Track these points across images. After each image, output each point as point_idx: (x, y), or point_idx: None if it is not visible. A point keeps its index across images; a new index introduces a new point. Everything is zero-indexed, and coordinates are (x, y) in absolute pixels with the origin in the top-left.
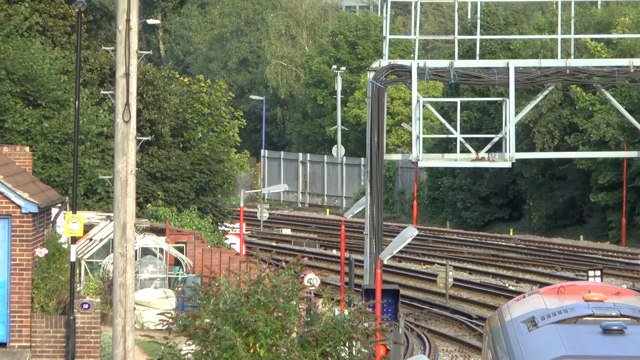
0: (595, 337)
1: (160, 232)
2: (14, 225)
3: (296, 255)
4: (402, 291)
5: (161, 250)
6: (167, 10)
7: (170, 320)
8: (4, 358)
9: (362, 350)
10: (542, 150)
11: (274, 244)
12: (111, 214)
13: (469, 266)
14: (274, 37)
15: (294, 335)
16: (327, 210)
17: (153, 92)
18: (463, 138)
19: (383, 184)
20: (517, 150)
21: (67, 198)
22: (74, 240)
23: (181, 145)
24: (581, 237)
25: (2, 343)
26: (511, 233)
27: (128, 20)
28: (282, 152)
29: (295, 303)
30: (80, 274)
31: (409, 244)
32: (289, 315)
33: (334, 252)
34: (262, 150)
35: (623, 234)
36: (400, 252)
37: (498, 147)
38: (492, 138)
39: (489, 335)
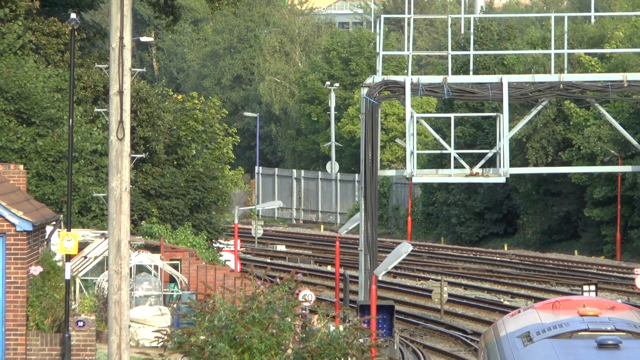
0: (590, 352)
1: (154, 249)
2: (8, 244)
3: (291, 272)
4: (397, 307)
5: (156, 267)
6: (160, 28)
7: (166, 338)
8: None
9: None
10: (536, 165)
11: (268, 260)
12: (106, 232)
13: (464, 281)
14: (268, 54)
15: (289, 351)
16: (322, 226)
17: (147, 109)
18: (457, 153)
19: (377, 199)
20: (511, 166)
21: (62, 216)
22: (69, 258)
23: (175, 162)
24: (576, 252)
25: None
26: (506, 248)
27: (121, 38)
28: (276, 169)
29: (290, 319)
30: (75, 291)
31: (403, 259)
32: (284, 331)
33: (329, 268)
34: (256, 167)
35: (618, 248)
36: (395, 267)
37: (492, 163)
38: (486, 153)
39: (484, 351)
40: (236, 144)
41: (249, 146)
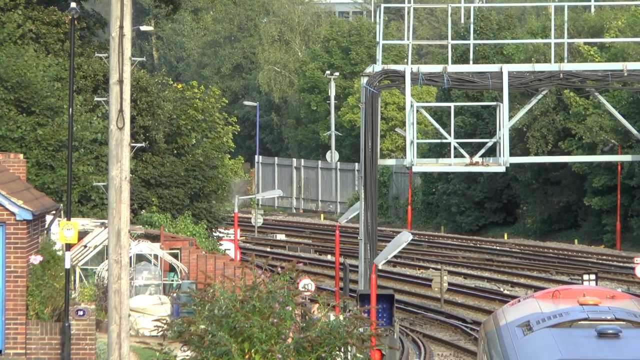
0: (590, 341)
1: (154, 238)
2: (8, 233)
3: (291, 261)
4: (397, 296)
5: (156, 256)
6: (160, 17)
7: (165, 327)
8: None
9: (358, 355)
10: (536, 155)
11: (268, 249)
12: (105, 221)
13: (464, 271)
14: (267, 43)
15: (289, 341)
16: (322, 215)
17: (147, 98)
18: (457, 143)
19: (377, 189)
20: (511, 155)
21: (62, 205)
22: (69, 247)
23: (175, 151)
24: (576, 241)
25: None
26: (505, 237)
27: (121, 27)
28: (276, 158)
29: (290, 309)
30: (75, 280)
31: (403, 248)
32: (285, 320)
33: (329, 257)
34: (256, 156)
35: (617, 237)
36: (395, 257)
37: (492, 152)
38: (486, 143)
39: (484, 340)
40: (236, 133)
41: (249, 135)
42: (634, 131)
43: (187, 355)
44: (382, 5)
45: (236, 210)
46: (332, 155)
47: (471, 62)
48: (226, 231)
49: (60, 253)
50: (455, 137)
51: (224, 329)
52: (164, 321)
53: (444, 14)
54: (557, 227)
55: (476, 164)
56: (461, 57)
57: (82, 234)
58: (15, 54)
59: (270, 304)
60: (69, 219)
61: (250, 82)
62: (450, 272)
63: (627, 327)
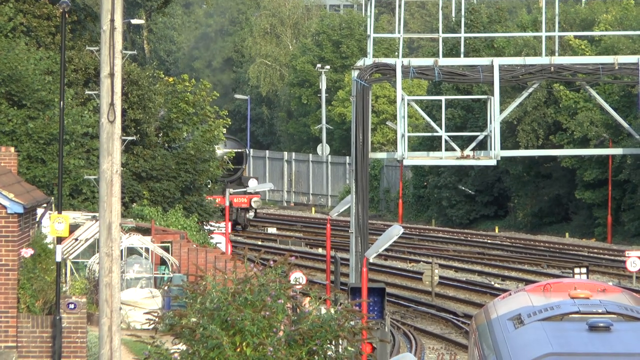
0: (581, 334)
1: (145, 231)
2: None
3: (282, 254)
4: (388, 289)
5: (147, 249)
6: (152, 10)
7: (157, 320)
8: None
9: (349, 348)
10: (527, 148)
11: (259, 243)
12: (97, 214)
13: (455, 264)
14: (258, 36)
15: (280, 334)
16: (313, 208)
17: (138, 91)
18: (448, 136)
19: (368, 182)
20: (502, 148)
21: (53, 198)
22: (60, 240)
23: (166, 144)
24: (567, 234)
25: None
26: (497, 231)
27: (112, 20)
28: (267, 151)
29: (282, 302)
30: (66, 274)
31: (394, 242)
32: (277, 314)
33: (320, 250)
34: (247, 149)
35: (609, 231)
36: (386, 250)
37: (483, 145)
38: (477, 136)
39: (475, 333)
40: (227, 126)
41: (240, 128)
42: (625, 125)
43: (179, 349)
44: None
45: (227, 203)
46: (323, 149)
47: (462, 55)
48: (217, 224)
49: (51, 246)
50: (446, 131)
51: (216, 321)
52: (155, 314)
53: (435, 7)
54: (548, 220)
55: (467, 157)
56: (452, 50)
57: (73, 227)
58: (6, 47)
59: (262, 297)
60: (60, 212)
61: (241, 75)
62: (441, 266)
63: (618, 321)
